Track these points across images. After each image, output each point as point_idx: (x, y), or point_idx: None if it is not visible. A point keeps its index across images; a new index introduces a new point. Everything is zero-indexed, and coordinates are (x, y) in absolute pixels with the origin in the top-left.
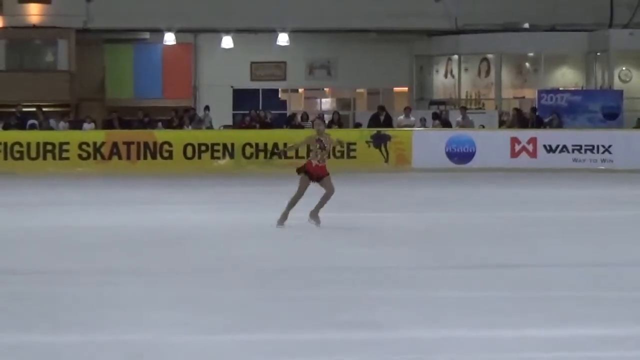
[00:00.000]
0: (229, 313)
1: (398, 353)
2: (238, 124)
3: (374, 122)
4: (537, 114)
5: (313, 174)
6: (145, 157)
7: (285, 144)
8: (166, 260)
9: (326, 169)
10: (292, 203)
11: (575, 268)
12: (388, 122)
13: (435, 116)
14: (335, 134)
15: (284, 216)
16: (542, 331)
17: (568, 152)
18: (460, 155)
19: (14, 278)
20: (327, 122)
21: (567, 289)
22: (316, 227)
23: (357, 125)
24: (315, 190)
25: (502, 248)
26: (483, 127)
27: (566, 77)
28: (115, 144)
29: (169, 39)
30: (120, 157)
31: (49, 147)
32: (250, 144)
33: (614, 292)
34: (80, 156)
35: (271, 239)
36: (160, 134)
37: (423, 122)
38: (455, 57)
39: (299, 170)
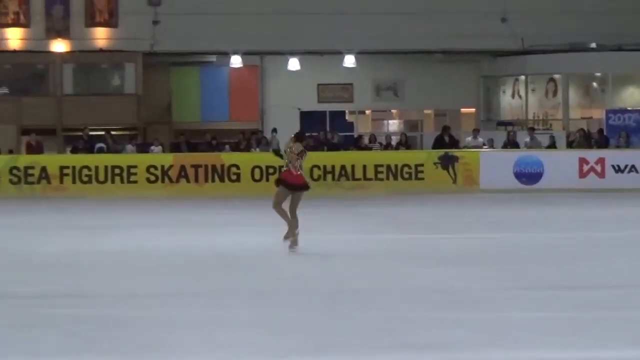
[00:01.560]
0: (298, 335)
1: None
2: (306, 146)
3: (439, 143)
4: (604, 134)
5: (292, 183)
6: (212, 180)
7: (352, 166)
8: (233, 283)
9: (303, 179)
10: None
11: None
12: (453, 143)
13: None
14: (403, 155)
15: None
16: (614, 352)
17: (637, 172)
18: (528, 176)
19: (83, 301)
20: (394, 143)
21: (638, 310)
22: (361, 249)
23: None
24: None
25: (571, 268)
26: (553, 141)
27: (634, 96)
28: (182, 167)
29: (236, 61)
30: (187, 180)
31: (117, 171)
32: (317, 166)
33: None
34: (148, 179)
35: (337, 260)
36: (227, 157)
37: (490, 143)
38: (522, 77)
39: None
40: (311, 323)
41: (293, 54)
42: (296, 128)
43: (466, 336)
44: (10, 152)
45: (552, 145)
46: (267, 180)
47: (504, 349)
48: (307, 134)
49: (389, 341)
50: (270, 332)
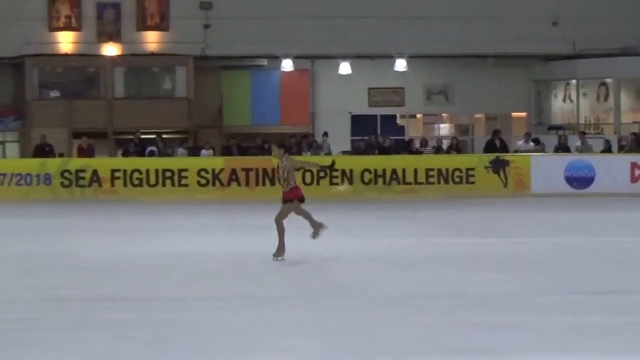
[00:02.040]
0: (347, 339)
1: None
2: (356, 149)
3: (490, 147)
4: None
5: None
6: (263, 184)
7: (404, 170)
8: (283, 287)
9: (287, 196)
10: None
11: None
12: (504, 147)
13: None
14: (454, 159)
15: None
16: None
17: None
18: (580, 180)
19: (132, 305)
20: (445, 147)
21: None
22: (412, 253)
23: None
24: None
25: (623, 273)
26: (609, 145)
27: None
28: (233, 171)
29: (287, 65)
30: (238, 184)
31: (168, 174)
32: (369, 170)
33: None
34: (199, 183)
35: (388, 265)
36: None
37: (541, 147)
38: (574, 81)
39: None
40: (362, 328)
41: (344, 57)
42: (347, 132)
43: (516, 340)
44: (61, 155)
45: (608, 150)
46: (318, 184)
47: (553, 354)
48: (359, 138)
49: (440, 346)
50: (317, 337)
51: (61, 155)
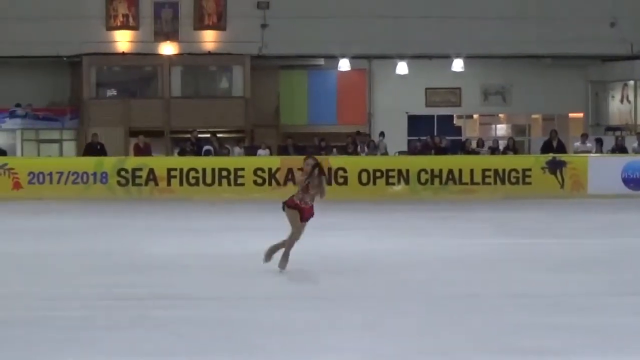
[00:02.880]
0: (409, 339)
1: None
2: (412, 149)
3: (546, 147)
4: None
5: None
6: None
7: (460, 170)
8: (340, 286)
9: (309, 211)
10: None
11: None
12: (561, 148)
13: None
14: (510, 160)
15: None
16: None
17: None
18: (637, 182)
19: (189, 303)
20: (502, 148)
21: None
22: (469, 253)
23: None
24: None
25: None
26: None
27: None
28: (290, 170)
29: (344, 65)
30: (295, 184)
31: (224, 173)
32: (425, 170)
33: None
34: (255, 182)
35: (445, 265)
36: (334, 160)
37: (599, 147)
38: (631, 82)
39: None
40: (420, 328)
41: (401, 57)
42: (404, 132)
43: (574, 342)
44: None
45: None
46: (375, 183)
47: (612, 356)
48: (416, 138)
49: (499, 346)
50: (379, 337)
51: (105, 153)
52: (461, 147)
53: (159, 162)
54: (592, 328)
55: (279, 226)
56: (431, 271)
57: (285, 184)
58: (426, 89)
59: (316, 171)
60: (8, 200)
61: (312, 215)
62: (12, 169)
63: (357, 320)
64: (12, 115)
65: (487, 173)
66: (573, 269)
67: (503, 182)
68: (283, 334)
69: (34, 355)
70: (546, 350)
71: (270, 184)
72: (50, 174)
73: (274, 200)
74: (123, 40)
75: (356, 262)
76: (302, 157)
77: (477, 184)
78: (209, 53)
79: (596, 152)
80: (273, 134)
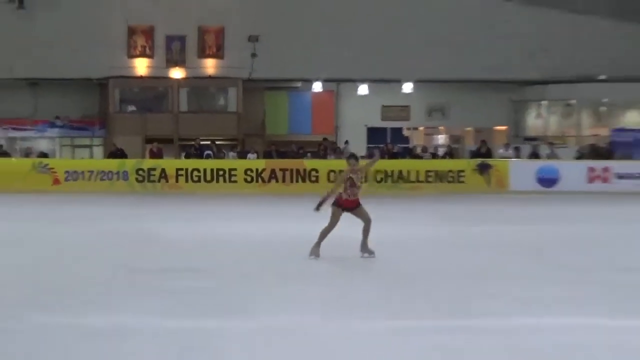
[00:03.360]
0: (376, 302)
1: None
2: (370, 155)
3: (477, 153)
4: (610, 148)
5: (344, 206)
6: (297, 181)
7: (408, 171)
8: (311, 263)
9: (358, 201)
10: (324, 234)
11: None
12: (488, 154)
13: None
14: (448, 163)
15: (317, 247)
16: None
17: (635, 178)
18: (548, 181)
19: (195, 275)
20: (441, 153)
21: None
22: (412, 236)
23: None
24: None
25: (590, 254)
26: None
27: (634, 118)
28: (273, 170)
29: (317, 87)
30: (277, 181)
31: (221, 173)
32: (380, 171)
33: None
34: (245, 180)
35: (398, 245)
36: (309, 163)
37: (518, 154)
38: (544, 102)
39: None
40: (384, 295)
41: (363, 81)
42: (364, 141)
43: (498, 306)
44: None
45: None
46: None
47: (526, 317)
48: (373, 145)
49: (450, 310)
50: (350, 305)
51: (125, 156)
52: (409, 153)
53: (169, 163)
54: (520, 295)
55: (264, 213)
56: (390, 251)
57: (269, 181)
58: (382, 106)
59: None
60: (49, 193)
61: (356, 203)
62: (52, 168)
63: (325, 293)
64: (52, 125)
65: (429, 173)
66: (501, 249)
67: (442, 181)
68: (270, 300)
69: (64, 314)
70: (488, 313)
71: (257, 181)
72: (83, 172)
73: (260, 194)
74: (141, 67)
75: (333, 244)
76: (283, 160)
77: (422, 182)
78: (210, 77)
79: (516, 158)
80: (260, 142)
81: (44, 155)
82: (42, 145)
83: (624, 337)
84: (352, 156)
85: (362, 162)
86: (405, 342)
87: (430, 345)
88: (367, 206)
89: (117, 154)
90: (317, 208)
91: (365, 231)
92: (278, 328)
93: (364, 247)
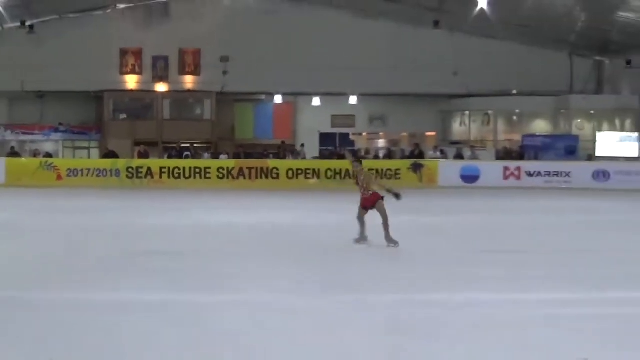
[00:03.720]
0: (328, 275)
1: None
2: (322, 155)
3: (411, 155)
4: (522, 151)
5: (363, 203)
6: (261, 178)
7: (347, 170)
8: (272, 246)
9: (372, 197)
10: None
11: (548, 253)
12: (421, 155)
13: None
14: (387, 163)
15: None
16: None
17: (542, 176)
18: (470, 178)
19: (179, 257)
20: (382, 155)
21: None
22: (297, 229)
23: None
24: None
25: (498, 239)
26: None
27: (541, 126)
28: (241, 169)
29: (278, 99)
30: (244, 178)
31: (198, 170)
32: (330, 169)
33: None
34: (218, 176)
35: (345, 230)
36: (271, 162)
37: (445, 155)
38: (467, 112)
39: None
40: (330, 267)
41: (316, 94)
42: (317, 144)
43: (429, 284)
44: (116, 156)
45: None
46: (297, 178)
47: (448, 293)
48: (324, 148)
49: (378, 287)
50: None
51: (117, 157)
52: (354, 154)
53: (155, 163)
54: (444, 274)
55: (234, 206)
56: (337, 234)
57: (238, 178)
58: (332, 115)
59: (358, 170)
60: (53, 187)
61: (373, 201)
62: (56, 166)
63: (276, 271)
64: (56, 130)
65: (371, 171)
66: (433, 235)
67: (382, 178)
68: (243, 277)
69: (68, 291)
70: (421, 289)
71: (228, 178)
72: (82, 170)
73: (230, 188)
74: (131, 82)
75: (284, 229)
76: (250, 160)
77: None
78: (189, 90)
79: (443, 159)
80: (230, 145)
81: (49, 155)
82: (48, 147)
83: (529, 311)
84: (356, 159)
85: (367, 171)
86: (342, 314)
87: (379, 318)
88: (319, 198)
89: (109, 155)
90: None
91: (384, 225)
92: (255, 302)
93: (388, 238)
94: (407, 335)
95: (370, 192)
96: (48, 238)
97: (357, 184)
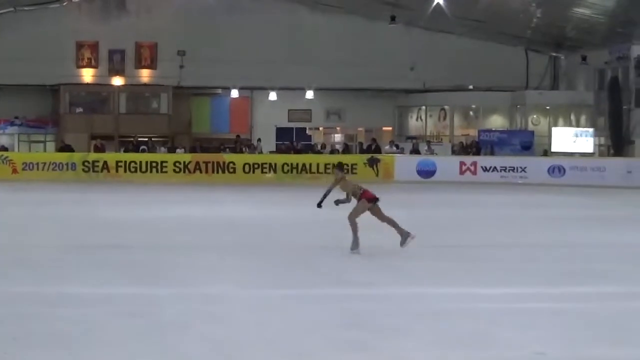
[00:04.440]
0: (281, 270)
1: None
2: (278, 150)
3: (367, 149)
4: (478, 146)
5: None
6: (217, 172)
7: (310, 164)
8: (230, 238)
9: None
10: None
11: (503, 248)
12: (377, 150)
13: (413, 150)
14: (343, 157)
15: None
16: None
17: (497, 171)
18: (426, 173)
19: (132, 250)
20: (339, 149)
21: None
22: (312, 218)
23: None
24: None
25: (453, 233)
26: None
27: (497, 121)
28: (198, 163)
29: (234, 93)
30: (201, 172)
31: (154, 164)
32: (287, 164)
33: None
34: (174, 170)
35: (297, 224)
36: (228, 157)
37: (401, 150)
38: (424, 107)
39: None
40: (281, 267)
41: (272, 89)
42: (273, 138)
43: (385, 277)
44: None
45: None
46: (254, 172)
47: (403, 286)
48: (281, 142)
49: (336, 280)
50: (257, 270)
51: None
52: (311, 149)
53: (111, 156)
54: (397, 268)
55: (190, 199)
56: (292, 228)
57: (194, 172)
58: (288, 110)
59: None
60: (8, 181)
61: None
62: (12, 160)
63: (242, 263)
64: (12, 124)
65: (328, 166)
66: (388, 229)
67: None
68: (194, 270)
69: (23, 284)
70: (359, 284)
71: (184, 172)
72: (38, 163)
73: (187, 182)
74: (87, 75)
75: (244, 222)
76: (206, 154)
77: (322, 173)
78: (145, 84)
79: (399, 153)
80: (187, 139)
81: (4, 149)
82: (3, 140)
83: (483, 304)
84: (338, 167)
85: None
86: (297, 307)
87: (328, 311)
88: (275, 192)
89: (64, 148)
90: (319, 205)
91: (393, 226)
92: (201, 294)
93: (402, 235)
94: (358, 328)
95: (362, 190)
96: (3, 232)
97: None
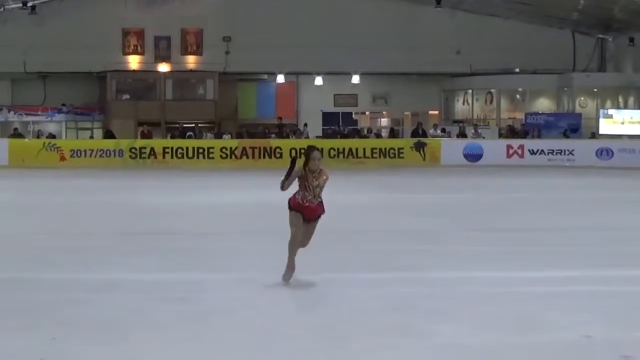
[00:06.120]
0: (315, 257)
1: None
2: (325, 134)
3: (414, 133)
4: (525, 129)
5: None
6: (264, 157)
7: (356, 149)
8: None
9: (318, 209)
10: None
11: (550, 231)
12: (423, 134)
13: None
14: (390, 142)
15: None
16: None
17: (545, 154)
18: (473, 157)
19: (179, 236)
20: (385, 134)
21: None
22: (360, 202)
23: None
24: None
25: (499, 216)
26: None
27: (544, 104)
28: (244, 148)
29: (280, 79)
30: (247, 157)
31: (201, 150)
32: (334, 148)
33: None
34: (221, 156)
35: (345, 210)
36: (274, 142)
37: (448, 134)
38: (470, 91)
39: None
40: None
41: (318, 74)
42: (319, 123)
43: (430, 261)
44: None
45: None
46: (300, 156)
47: (449, 271)
48: (327, 127)
49: (379, 265)
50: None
51: (114, 136)
52: (357, 133)
53: (158, 143)
54: (437, 253)
55: (236, 185)
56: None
57: (240, 157)
58: (334, 94)
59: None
60: (57, 168)
61: (317, 214)
62: (60, 147)
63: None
64: (60, 111)
65: (374, 150)
66: (435, 213)
67: (385, 157)
68: (240, 257)
69: (72, 272)
70: (405, 267)
71: (231, 157)
72: (85, 150)
73: (233, 168)
74: (134, 62)
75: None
76: (252, 139)
77: (368, 157)
78: (191, 70)
79: (446, 137)
80: (233, 125)
81: (52, 136)
82: (51, 127)
83: (529, 288)
84: (317, 150)
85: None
86: (342, 292)
87: (366, 295)
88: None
89: (107, 135)
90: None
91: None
92: (246, 280)
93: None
94: (405, 313)
95: (319, 200)
96: (53, 218)
97: (306, 184)
